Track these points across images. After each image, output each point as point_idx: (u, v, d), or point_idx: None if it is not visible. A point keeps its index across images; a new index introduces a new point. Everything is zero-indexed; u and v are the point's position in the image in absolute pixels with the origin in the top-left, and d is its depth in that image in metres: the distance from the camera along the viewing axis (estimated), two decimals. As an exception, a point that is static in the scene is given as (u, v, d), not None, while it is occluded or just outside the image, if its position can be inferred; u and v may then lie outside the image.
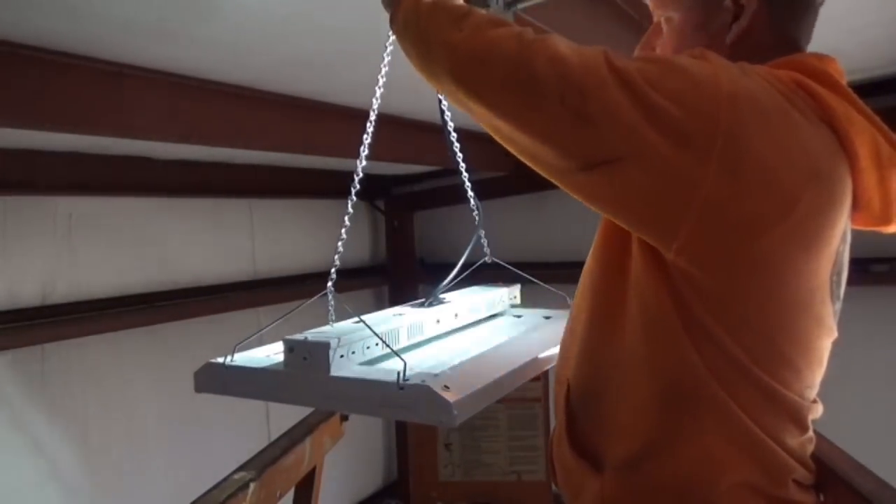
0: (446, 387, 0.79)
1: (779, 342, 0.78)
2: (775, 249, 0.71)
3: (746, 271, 0.73)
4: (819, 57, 0.81)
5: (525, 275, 1.40)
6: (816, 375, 0.84)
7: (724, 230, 0.70)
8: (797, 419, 0.82)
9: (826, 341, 0.83)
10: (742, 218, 0.69)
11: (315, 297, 1.01)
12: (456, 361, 0.92)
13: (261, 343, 1.02)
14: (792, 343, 0.78)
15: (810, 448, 0.87)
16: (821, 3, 0.88)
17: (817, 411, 0.86)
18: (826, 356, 0.84)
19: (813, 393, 0.85)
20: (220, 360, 0.93)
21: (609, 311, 0.85)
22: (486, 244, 1.34)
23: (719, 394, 0.76)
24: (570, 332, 0.97)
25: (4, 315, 2.44)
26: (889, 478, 1.11)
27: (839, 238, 0.77)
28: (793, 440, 0.82)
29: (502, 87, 0.74)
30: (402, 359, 0.83)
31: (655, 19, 0.93)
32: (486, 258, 1.36)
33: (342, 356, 0.88)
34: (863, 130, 0.76)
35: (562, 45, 0.73)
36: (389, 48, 1.10)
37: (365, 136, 1.12)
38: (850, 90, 0.78)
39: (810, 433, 0.86)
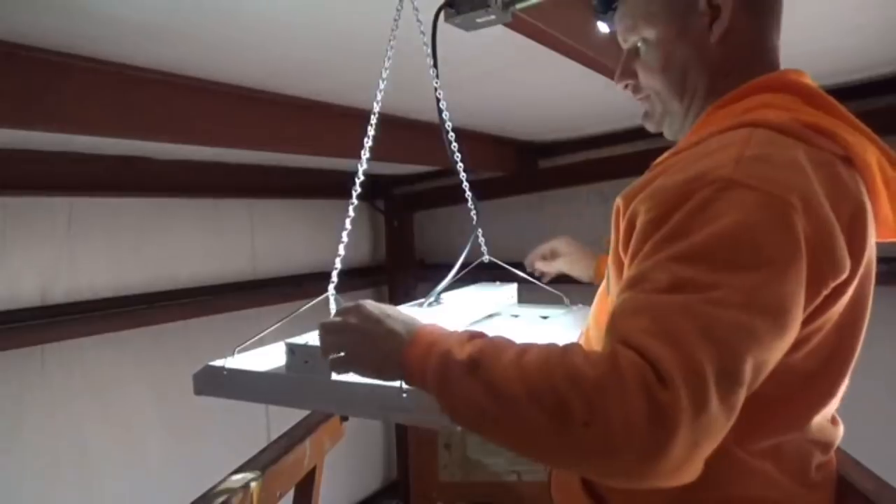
0: None
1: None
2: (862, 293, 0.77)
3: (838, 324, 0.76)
4: (799, 73, 0.84)
5: (522, 274, 1.40)
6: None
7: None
8: (824, 445, 0.84)
9: None
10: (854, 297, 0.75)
11: (317, 300, 1.01)
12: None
13: (262, 345, 1.02)
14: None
15: (830, 469, 0.88)
16: None
17: (839, 434, 0.87)
18: None
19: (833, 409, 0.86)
20: (220, 362, 0.92)
21: None
22: (483, 244, 1.34)
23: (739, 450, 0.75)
24: None
25: (4, 315, 2.44)
26: (889, 478, 1.11)
27: None
28: (817, 470, 0.83)
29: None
30: None
31: (627, 45, 0.93)
32: (484, 258, 1.36)
33: None
34: (872, 153, 0.77)
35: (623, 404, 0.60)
36: (390, 51, 1.10)
37: (366, 138, 1.12)
38: (837, 103, 0.80)
39: (831, 454, 0.87)
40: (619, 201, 0.79)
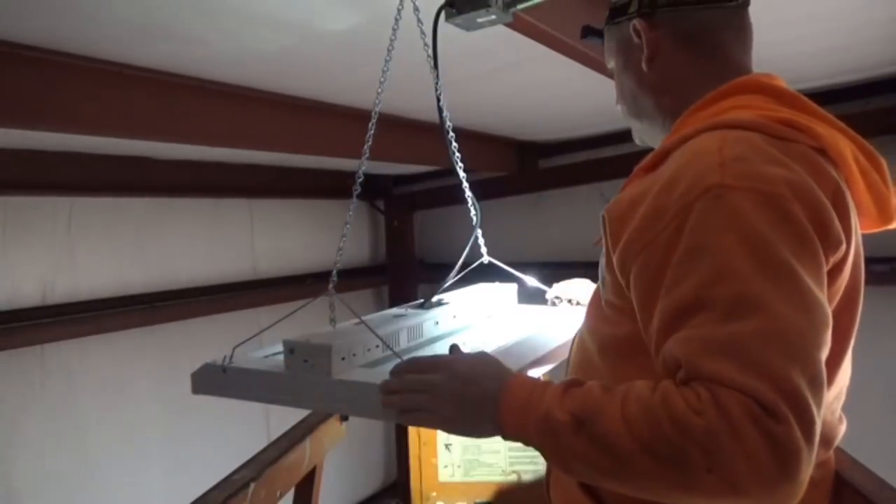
0: None
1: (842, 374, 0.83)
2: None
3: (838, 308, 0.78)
4: (769, 76, 0.88)
5: (520, 275, 1.40)
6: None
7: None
8: (826, 441, 0.84)
9: None
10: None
11: (316, 299, 1.01)
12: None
13: (260, 344, 1.01)
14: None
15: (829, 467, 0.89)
16: (744, 5, 0.93)
17: (842, 430, 0.88)
18: None
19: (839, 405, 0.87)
20: (219, 361, 0.92)
21: (631, 351, 0.83)
22: (482, 244, 1.34)
23: None
24: (584, 360, 0.95)
25: (4, 315, 2.44)
26: (889, 477, 1.11)
27: None
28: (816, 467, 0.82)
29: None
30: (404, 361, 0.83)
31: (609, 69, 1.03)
32: (483, 258, 1.36)
33: (343, 358, 0.87)
34: (845, 145, 0.80)
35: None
36: (391, 51, 1.10)
37: (366, 137, 1.12)
38: (811, 102, 0.84)
39: (831, 452, 0.87)
40: (604, 214, 0.82)
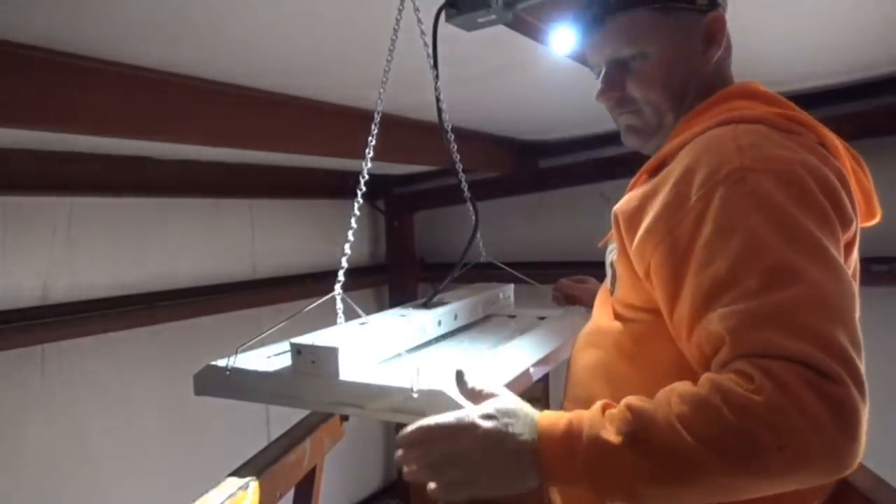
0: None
1: None
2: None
3: None
4: (758, 84, 0.94)
5: (519, 275, 1.40)
6: None
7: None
8: None
9: None
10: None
11: (322, 299, 1.00)
12: (463, 364, 0.92)
13: (261, 344, 1.01)
14: None
15: None
16: None
17: None
18: None
19: None
20: (222, 362, 0.92)
21: (653, 347, 0.81)
22: (481, 244, 1.34)
23: None
24: (600, 364, 0.91)
25: (4, 315, 2.44)
26: (888, 477, 1.11)
27: None
28: None
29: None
30: (415, 363, 0.83)
31: (614, 59, 0.96)
32: (482, 258, 1.36)
33: (350, 359, 0.87)
34: (839, 142, 0.85)
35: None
36: (391, 50, 1.10)
37: (370, 138, 1.12)
38: (798, 108, 0.88)
39: None
40: (616, 212, 0.82)
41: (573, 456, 0.66)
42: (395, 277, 4.36)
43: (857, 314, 0.69)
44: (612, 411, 0.68)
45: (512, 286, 1.45)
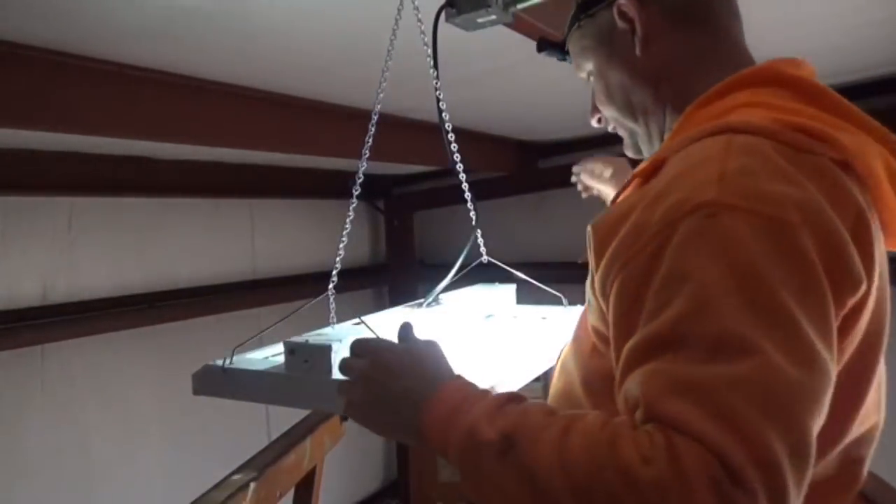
0: None
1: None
2: None
3: None
4: (793, 63, 0.76)
5: (521, 275, 1.40)
6: None
7: None
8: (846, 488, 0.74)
9: None
10: None
11: (316, 300, 1.01)
12: (459, 364, 0.92)
13: (261, 344, 1.01)
14: None
15: None
16: None
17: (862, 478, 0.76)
18: None
19: None
20: (219, 362, 0.92)
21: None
22: (482, 244, 1.34)
23: None
24: (565, 388, 0.85)
25: (4, 315, 2.44)
26: (889, 477, 1.11)
27: None
28: None
29: None
30: None
31: (585, 83, 0.93)
32: (483, 258, 1.36)
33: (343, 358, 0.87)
34: (876, 153, 0.68)
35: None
36: (390, 50, 1.10)
37: (367, 138, 1.12)
38: (841, 100, 0.71)
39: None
40: (589, 230, 0.70)
41: (448, 435, 0.63)
42: (395, 278, 4.36)
43: (819, 415, 0.54)
44: (512, 407, 0.62)
45: (514, 286, 1.44)
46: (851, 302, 0.60)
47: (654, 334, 0.57)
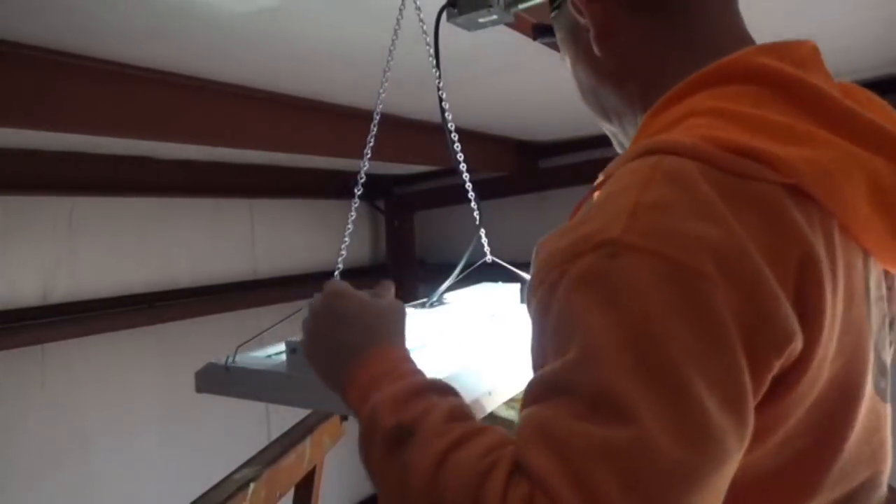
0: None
1: None
2: None
3: None
4: (771, 51, 0.63)
5: (525, 275, 1.40)
6: None
7: None
8: None
9: None
10: None
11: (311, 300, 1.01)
12: (460, 365, 0.92)
13: (262, 344, 1.02)
14: None
15: None
16: None
17: None
18: None
19: None
20: (222, 360, 0.92)
21: None
22: (486, 244, 1.34)
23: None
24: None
25: (4, 315, 2.44)
26: (888, 477, 1.11)
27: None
28: None
29: None
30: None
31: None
32: (487, 258, 1.36)
33: None
34: (856, 169, 0.57)
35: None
36: (392, 50, 1.10)
37: (368, 138, 1.12)
38: (826, 97, 0.61)
39: None
40: (536, 247, 0.64)
41: (361, 404, 0.63)
42: (396, 278, 4.33)
43: (705, 494, 0.48)
44: (423, 399, 0.60)
45: (517, 285, 1.44)
46: (779, 362, 0.52)
47: (547, 376, 0.53)
